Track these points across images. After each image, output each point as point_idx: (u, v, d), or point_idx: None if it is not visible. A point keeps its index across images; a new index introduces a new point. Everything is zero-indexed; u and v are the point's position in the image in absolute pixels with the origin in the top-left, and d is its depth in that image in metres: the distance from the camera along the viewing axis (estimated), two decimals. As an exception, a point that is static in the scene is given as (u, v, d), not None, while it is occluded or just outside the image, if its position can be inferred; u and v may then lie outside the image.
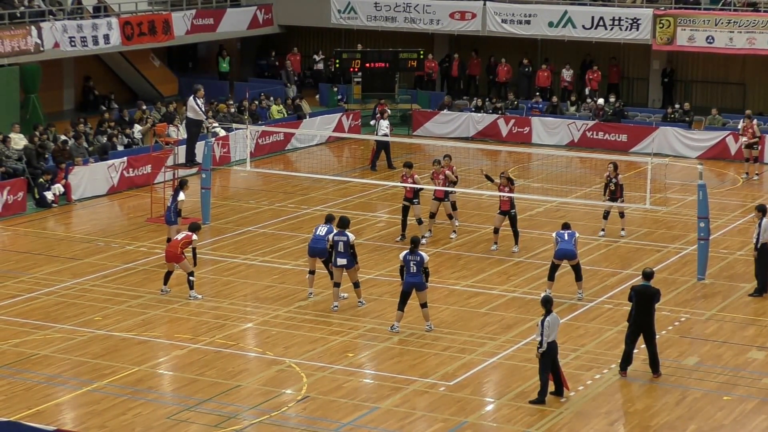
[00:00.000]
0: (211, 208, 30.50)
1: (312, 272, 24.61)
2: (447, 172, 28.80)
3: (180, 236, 24.60)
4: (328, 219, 24.38)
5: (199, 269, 26.31)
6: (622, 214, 29.59)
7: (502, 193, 27.63)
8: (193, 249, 24.53)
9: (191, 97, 31.42)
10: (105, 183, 33.79)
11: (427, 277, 22.40)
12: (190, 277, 24.46)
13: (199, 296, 24.50)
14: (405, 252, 22.37)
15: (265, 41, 50.20)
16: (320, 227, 24.26)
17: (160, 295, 24.54)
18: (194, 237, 24.48)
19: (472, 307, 24.24)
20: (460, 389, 19.93)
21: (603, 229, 29.52)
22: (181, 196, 27.12)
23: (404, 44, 46.24)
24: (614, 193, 28.88)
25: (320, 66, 48.80)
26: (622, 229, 29.52)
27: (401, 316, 22.60)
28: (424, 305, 22.50)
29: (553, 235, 24.75)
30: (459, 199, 30.79)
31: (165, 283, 24.79)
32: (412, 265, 22.12)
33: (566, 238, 24.30)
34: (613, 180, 28.81)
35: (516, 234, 27.99)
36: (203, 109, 31.58)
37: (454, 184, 29.21)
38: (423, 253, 22.33)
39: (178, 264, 24.40)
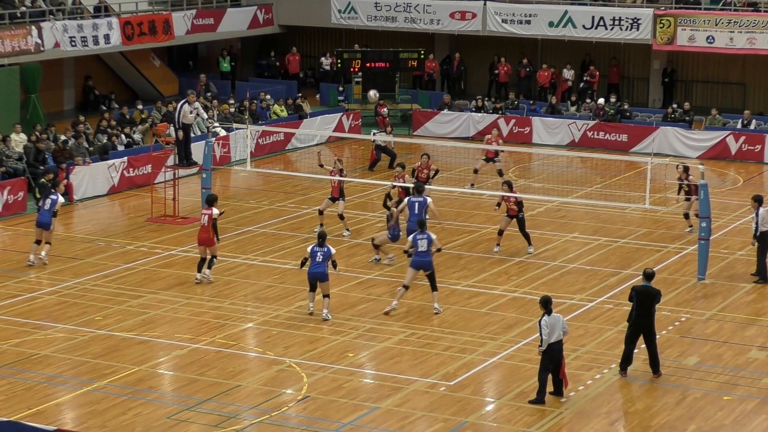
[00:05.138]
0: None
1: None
2: (406, 176, 29.04)
3: (204, 220, 25.16)
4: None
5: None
6: (687, 215, 29.66)
7: (504, 194, 27.54)
8: (214, 221, 25.10)
9: (184, 103, 31.16)
10: (105, 183, 33.80)
11: (335, 268, 23.49)
12: (214, 259, 25.31)
13: (212, 279, 25.31)
14: (313, 245, 23.31)
15: (265, 41, 50.23)
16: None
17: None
18: (215, 211, 25.17)
19: (473, 307, 24.24)
20: (461, 389, 19.93)
21: (691, 226, 29.52)
22: (60, 199, 27.13)
23: (404, 44, 46.27)
24: (688, 193, 29.10)
25: (327, 67, 48.59)
26: (690, 226, 29.56)
27: (313, 297, 23.38)
28: (326, 296, 23.24)
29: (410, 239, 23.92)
30: (459, 198, 30.80)
31: (199, 271, 25.42)
32: (318, 255, 23.08)
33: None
34: (685, 181, 28.95)
35: (526, 236, 27.88)
36: (192, 113, 31.14)
37: (436, 173, 30.22)
38: (330, 246, 23.36)
39: (209, 248, 25.18)
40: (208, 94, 42.92)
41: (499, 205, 28.17)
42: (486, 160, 34.03)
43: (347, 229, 29.09)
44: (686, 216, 29.93)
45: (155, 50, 45.40)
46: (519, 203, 27.56)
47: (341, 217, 28.96)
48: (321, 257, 23.10)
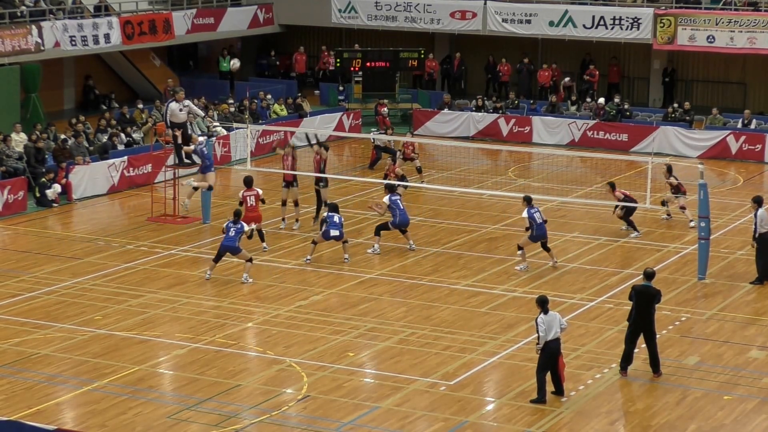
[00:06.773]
0: (212, 208, 30.51)
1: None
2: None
3: (251, 201, 27.24)
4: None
5: (199, 268, 26.39)
6: (683, 208, 30.41)
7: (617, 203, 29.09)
8: (263, 200, 27.72)
9: (171, 101, 31.01)
10: (105, 182, 33.79)
11: (250, 237, 26.64)
12: (262, 230, 27.75)
13: (267, 247, 27.68)
14: (228, 221, 25.49)
15: (265, 40, 50.21)
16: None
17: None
18: (259, 191, 27.62)
19: (473, 307, 24.23)
20: (461, 389, 19.93)
21: (692, 220, 29.85)
22: (201, 139, 29.94)
23: (405, 44, 46.26)
24: (675, 191, 30.18)
25: (332, 67, 48.32)
26: (691, 220, 30.02)
27: (214, 267, 25.67)
28: (248, 260, 25.54)
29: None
30: (459, 198, 30.77)
31: (263, 240, 27.83)
32: (231, 230, 25.30)
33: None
34: (666, 181, 30.19)
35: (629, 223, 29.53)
36: (183, 111, 31.01)
37: (402, 177, 31.45)
38: (244, 224, 25.62)
39: (257, 222, 27.41)
40: None
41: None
42: (404, 159, 34.62)
43: (296, 220, 29.92)
44: (682, 209, 30.43)
45: (155, 50, 45.35)
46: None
47: (296, 204, 29.89)
48: (234, 232, 25.30)
